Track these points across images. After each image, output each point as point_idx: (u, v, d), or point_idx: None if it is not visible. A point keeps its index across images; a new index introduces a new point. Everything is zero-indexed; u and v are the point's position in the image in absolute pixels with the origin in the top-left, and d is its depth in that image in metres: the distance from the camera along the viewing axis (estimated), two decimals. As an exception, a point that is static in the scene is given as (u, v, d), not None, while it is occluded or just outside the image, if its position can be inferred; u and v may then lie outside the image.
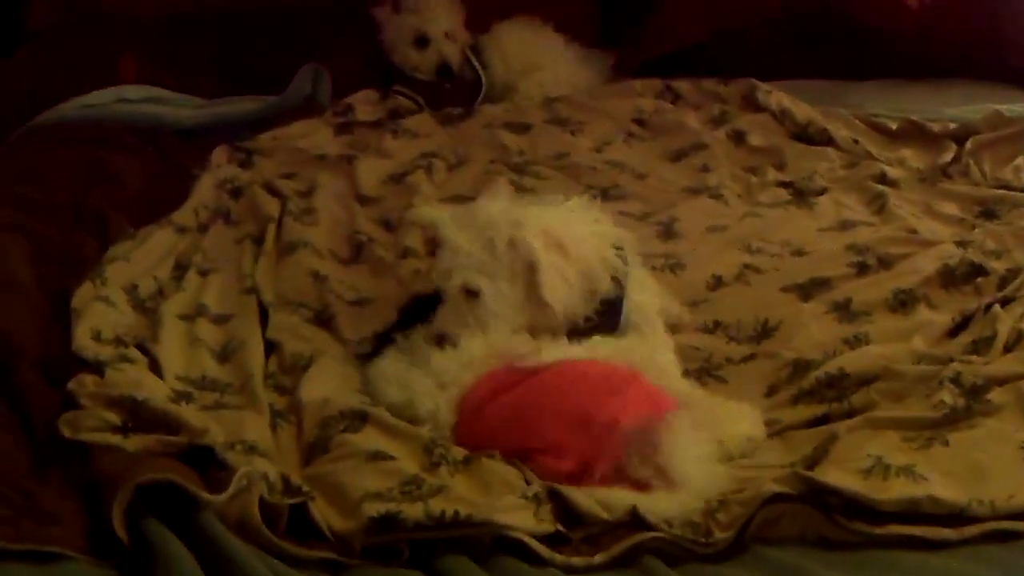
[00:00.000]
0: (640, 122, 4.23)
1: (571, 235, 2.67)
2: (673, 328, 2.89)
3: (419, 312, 2.73)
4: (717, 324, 2.94)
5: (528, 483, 2.26)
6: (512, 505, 2.17)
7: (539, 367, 2.49)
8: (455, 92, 4.43)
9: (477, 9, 4.67)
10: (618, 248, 2.75)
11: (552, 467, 2.30)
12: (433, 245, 2.78)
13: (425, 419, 2.49)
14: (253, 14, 4.69)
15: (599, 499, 2.20)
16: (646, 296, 2.82)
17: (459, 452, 2.36)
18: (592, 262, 2.68)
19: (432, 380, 2.54)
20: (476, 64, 4.47)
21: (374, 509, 2.14)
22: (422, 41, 4.43)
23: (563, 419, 2.36)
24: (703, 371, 2.77)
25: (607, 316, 2.71)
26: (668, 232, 3.41)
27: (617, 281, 2.71)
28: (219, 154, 3.83)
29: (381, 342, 2.74)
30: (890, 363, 2.61)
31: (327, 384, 2.62)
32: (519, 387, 2.46)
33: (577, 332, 2.66)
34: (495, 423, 2.44)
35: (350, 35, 4.57)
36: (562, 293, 2.62)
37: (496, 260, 2.62)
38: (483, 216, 2.66)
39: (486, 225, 2.63)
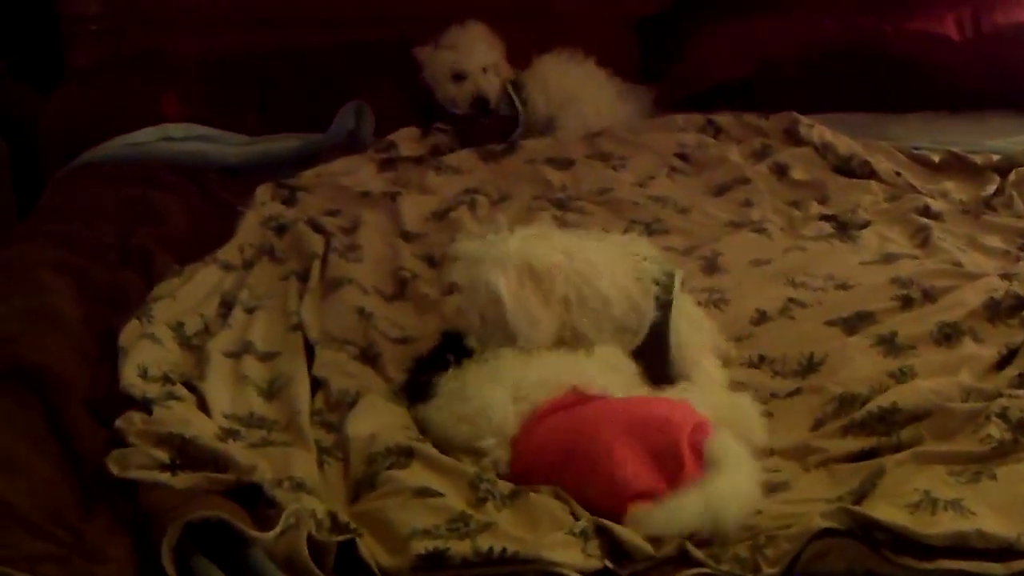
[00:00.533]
0: (682, 156, 4.22)
1: (592, 265, 2.75)
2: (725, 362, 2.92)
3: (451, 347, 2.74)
4: (762, 359, 2.94)
5: (576, 518, 2.26)
6: (560, 541, 2.18)
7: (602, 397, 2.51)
8: (492, 127, 4.43)
9: (519, 44, 4.68)
10: (663, 278, 2.80)
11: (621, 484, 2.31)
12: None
13: (491, 431, 2.50)
14: (295, 53, 4.71)
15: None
16: (695, 331, 2.84)
17: (505, 487, 2.37)
18: (624, 290, 2.75)
19: (507, 392, 2.55)
20: (515, 99, 4.47)
21: (422, 546, 2.14)
22: (459, 76, 4.43)
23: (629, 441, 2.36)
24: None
25: (654, 342, 2.75)
26: (711, 267, 3.41)
27: (660, 307, 2.76)
28: (263, 191, 3.84)
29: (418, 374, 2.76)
30: (939, 399, 2.59)
31: (373, 421, 2.62)
32: (580, 411, 2.48)
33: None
34: (553, 443, 2.45)
35: (392, 73, 4.58)
36: (526, 324, 2.68)
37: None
38: (492, 252, 2.71)
39: (476, 263, 2.72)
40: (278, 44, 4.80)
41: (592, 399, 2.51)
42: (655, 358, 2.76)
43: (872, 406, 2.59)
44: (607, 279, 2.76)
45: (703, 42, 4.66)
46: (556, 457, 2.41)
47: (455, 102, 4.46)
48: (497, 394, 2.54)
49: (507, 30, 4.77)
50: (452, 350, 2.72)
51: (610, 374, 2.61)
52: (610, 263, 2.80)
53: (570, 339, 2.73)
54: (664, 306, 2.78)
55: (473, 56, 4.44)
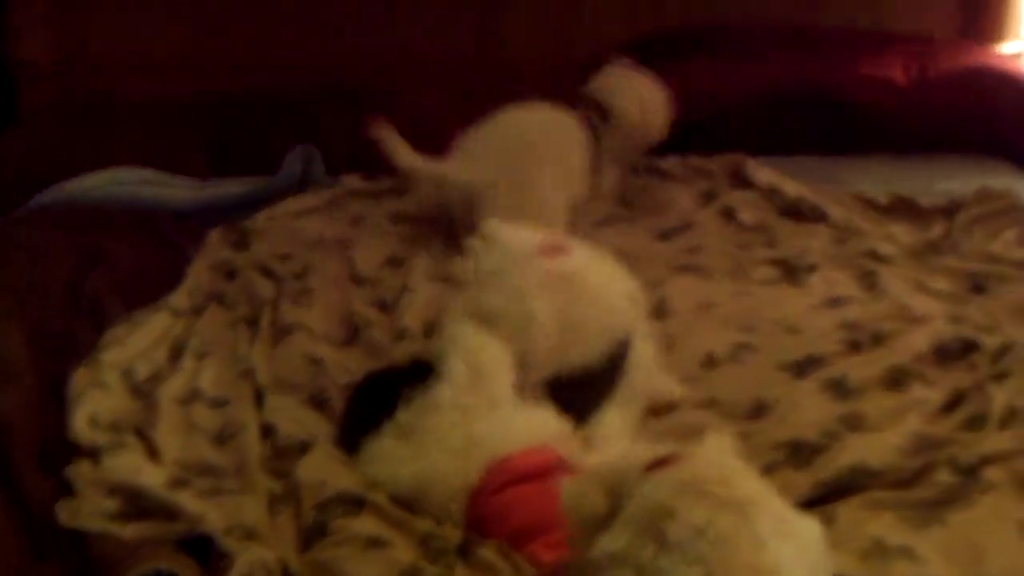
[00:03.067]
0: (627, 201, 4.24)
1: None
2: (668, 405, 2.92)
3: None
4: (712, 401, 2.94)
5: (522, 572, 2.26)
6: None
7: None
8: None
9: (471, 92, 4.70)
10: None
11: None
12: None
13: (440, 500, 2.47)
14: (246, 96, 4.71)
15: None
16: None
17: (457, 538, 2.36)
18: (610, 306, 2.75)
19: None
20: None
21: (372, 598, 2.14)
22: None
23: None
24: (699, 449, 2.76)
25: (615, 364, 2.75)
26: (659, 311, 3.42)
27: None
28: (214, 236, 3.83)
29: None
30: (902, 455, 2.61)
31: (324, 467, 2.61)
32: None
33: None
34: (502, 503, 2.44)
35: (342, 116, 4.58)
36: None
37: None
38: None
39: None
40: (229, 88, 4.81)
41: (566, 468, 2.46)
42: (611, 378, 2.76)
43: (842, 465, 2.57)
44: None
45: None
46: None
47: None
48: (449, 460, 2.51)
49: (459, 78, 4.80)
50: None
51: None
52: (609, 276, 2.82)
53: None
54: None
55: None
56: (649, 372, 2.89)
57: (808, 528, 1.99)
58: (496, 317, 2.63)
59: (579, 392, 2.68)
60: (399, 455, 2.51)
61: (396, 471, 2.50)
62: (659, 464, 2.05)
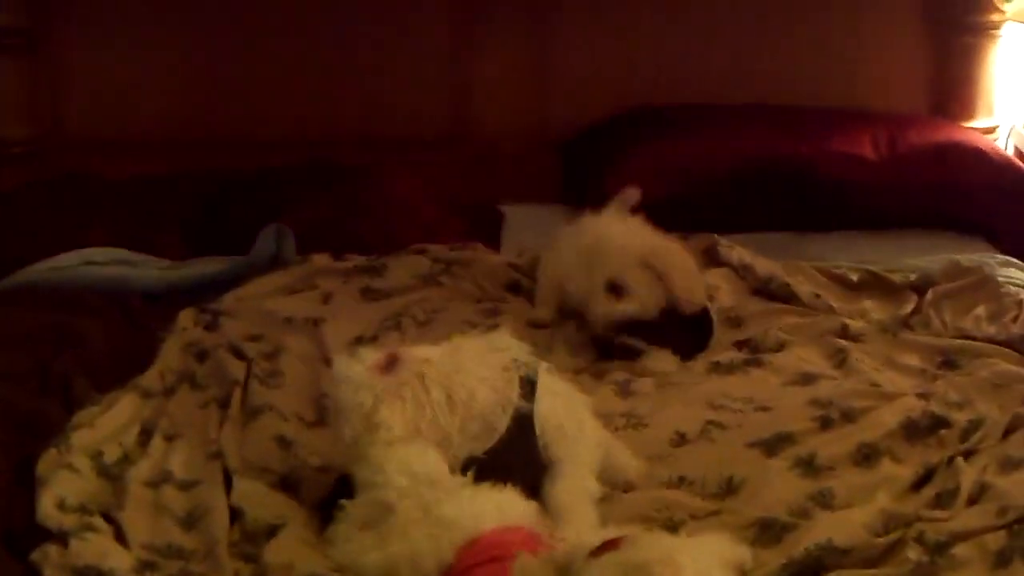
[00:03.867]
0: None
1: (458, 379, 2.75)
2: (633, 484, 2.93)
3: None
4: (682, 479, 2.93)
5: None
6: None
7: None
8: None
9: (442, 170, 4.73)
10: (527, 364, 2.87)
11: None
12: None
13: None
14: (219, 175, 4.73)
15: None
16: (566, 403, 2.91)
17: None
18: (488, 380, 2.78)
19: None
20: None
21: None
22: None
23: None
24: (667, 527, 2.73)
25: (519, 429, 2.77)
26: (625, 391, 3.43)
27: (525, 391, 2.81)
28: (185, 316, 3.81)
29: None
30: (869, 532, 2.60)
31: (292, 550, 2.61)
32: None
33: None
34: None
35: (314, 195, 4.59)
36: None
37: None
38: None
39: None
40: (203, 167, 4.82)
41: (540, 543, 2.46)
42: (523, 445, 2.77)
43: (810, 544, 2.55)
44: (472, 372, 2.79)
45: (623, 163, 4.70)
46: None
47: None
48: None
49: (433, 159, 4.83)
50: None
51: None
52: (475, 357, 2.83)
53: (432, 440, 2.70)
54: (529, 390, 2.82)
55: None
56: (598, 445, 2.91)
57: None
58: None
59: (492, 472, 2.68)
60: (363, 541, 2.51)
61: (360, 556, 2.50)
62: (606, 547, 2.04)
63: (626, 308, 3.58)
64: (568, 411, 2.90)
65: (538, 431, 2.80)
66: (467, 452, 2.71)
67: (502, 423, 2.76)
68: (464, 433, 2.72)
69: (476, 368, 2.79)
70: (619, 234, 3.71)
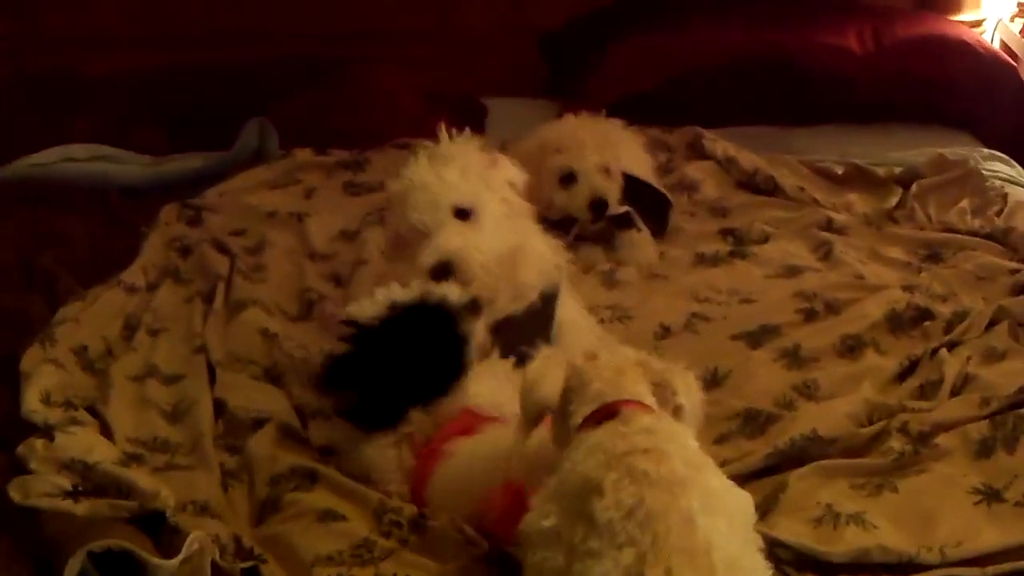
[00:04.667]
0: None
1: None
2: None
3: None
4: (667, 372, 2.94)
5: (474, 546, 2.26)
6: (462, 569, 2.18)
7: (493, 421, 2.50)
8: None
9: (430, 62, 4.70)
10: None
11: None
12: None
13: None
14: (200, 70, 4.68)
15: None
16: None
17: (410, 512, 2.36)
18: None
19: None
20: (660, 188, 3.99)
21: (325, 573, 2.14)
22: (569, 178, 3.66)
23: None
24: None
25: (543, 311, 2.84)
26: (611, 282, 3.43)
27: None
28: (168, 212, 3.81)
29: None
30: (853, 423, 2.62)
31: (276, 442, 2.62)
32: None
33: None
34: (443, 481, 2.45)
35: (297, 89, 4.56)
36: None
37: None
38: None
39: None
40: (185, 62, 4.78)
41: (483, 423, 2.49)
42: (541, 321, 2.83)
43: (795, 435, 2.57)
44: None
45: (608, 56, 4.67)
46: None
47: (564, 209, 3.68)
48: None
49: (417, 49, 4.79)
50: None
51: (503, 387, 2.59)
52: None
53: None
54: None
55: (586, 155, 3.73)
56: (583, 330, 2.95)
57: (738, 500, 1.97)
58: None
59: (514, 334, 2.74)
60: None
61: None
62: (598, 417, 2.03)
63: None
64: (579, 310, 2.97)
65: (557, 315, 2.86)
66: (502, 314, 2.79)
67: (533, 294, 2.84)
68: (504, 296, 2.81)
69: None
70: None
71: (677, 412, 2.09)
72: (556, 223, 3.51)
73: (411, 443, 2.51)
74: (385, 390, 2.55)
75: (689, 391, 2.13)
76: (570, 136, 3.68)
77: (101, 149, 4.32)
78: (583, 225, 3.63)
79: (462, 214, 2.79)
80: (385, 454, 2.50)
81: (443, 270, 2.72)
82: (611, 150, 3.68)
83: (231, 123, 4.33)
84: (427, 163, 2.84)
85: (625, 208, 3.62)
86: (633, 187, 3.66)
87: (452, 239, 2.75)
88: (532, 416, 2.13)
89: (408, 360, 2.57)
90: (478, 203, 2.82)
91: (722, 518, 1.87)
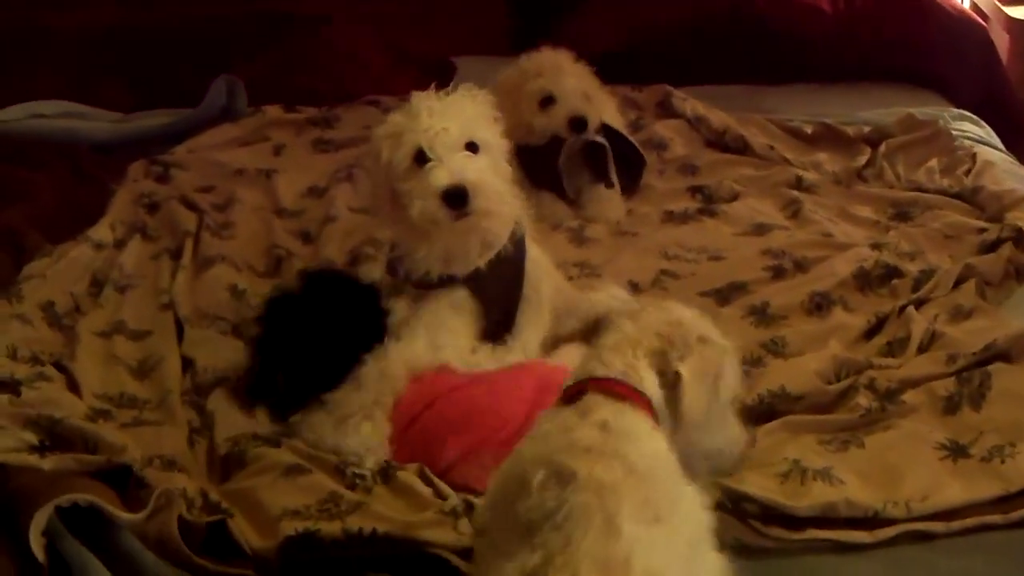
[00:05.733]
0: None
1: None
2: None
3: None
4: (635, 329, 2.94)
5: (442, 497, 2.27)
6: (431, 520, 2.18)
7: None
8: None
9: (396, 18, 4.67)
10: None
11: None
12: None
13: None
14: (168, 26, 4.66)
15: None
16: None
17: (374, 462, 2.37)
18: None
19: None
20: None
21: (292, 527, 2.14)
22: (548, 100, 3.64)
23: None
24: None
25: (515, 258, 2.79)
26: (579, 239, 3.43)
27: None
28: (136, 168, 3.80)
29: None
30: (821, 379, 2.62)
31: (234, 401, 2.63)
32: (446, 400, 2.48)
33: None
34: (421, 435, 2.45)
35: (265, 45, 4.54)
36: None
37: None
38: None
39: None
40: (150, 18, 4.75)
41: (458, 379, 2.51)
42: (512, 270, 2.80)
43: (762, 390, 2.58)
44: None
45: (577, 14, 4.67)
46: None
47: (544, 131, 3.65)
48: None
49: (381, 7, 4.76)
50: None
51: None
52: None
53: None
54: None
55: (565, 79, 3.69)
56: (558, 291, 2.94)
57: (689, 504, 1.87)
58: None
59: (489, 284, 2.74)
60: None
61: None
62: (570, 393, 2.01)
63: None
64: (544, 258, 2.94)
65: (528, 266, 2.82)
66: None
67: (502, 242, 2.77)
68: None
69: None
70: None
71: (675, 383, 2.01)
72: (538, 150, 3.54)
73: (383, 411, 2.51)
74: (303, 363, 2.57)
75: (709, 368, 2.08)
76: (550, 63, 3.67)
77: (68, 106, 4.31)
78: (569, 148, 3.60)
79: (472, 147, 2.72)
80: (360, 430, 2.49)
81: (457, 194, 2.60)
82: (590, 81, 3.69)
83: (196, 80, 4.32)
84: (425, 102, 2.71)
85: (603, 141, 3.61)
86: (609, 137, 3.65)
87: (467, 165, 2.65)
88: None
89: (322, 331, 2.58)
90: (488, 138, 2.74)
91: (660, 528, 1.77)
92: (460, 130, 2.66)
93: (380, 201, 2.78)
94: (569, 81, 3.61)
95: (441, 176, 2.61)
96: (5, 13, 4.84)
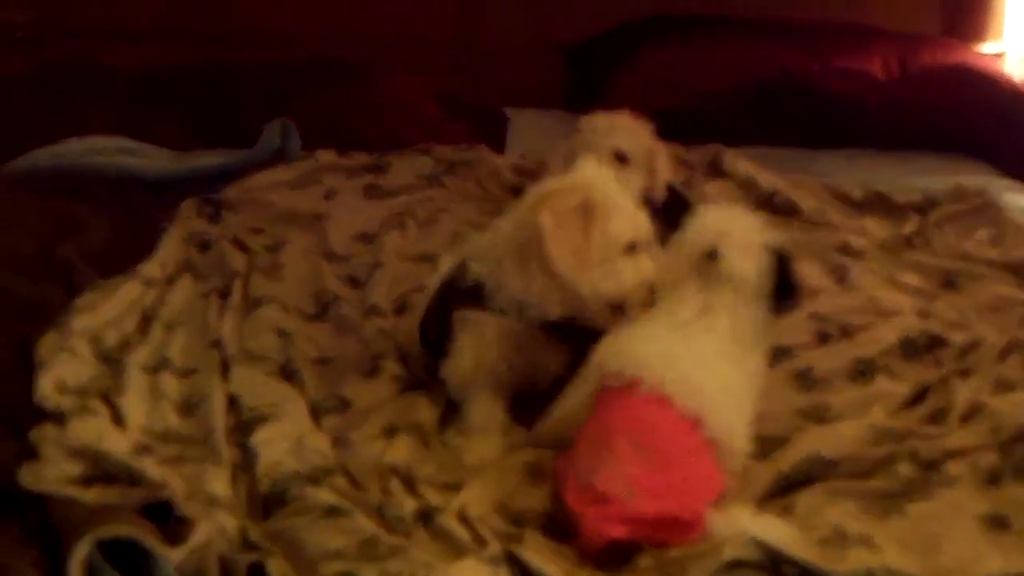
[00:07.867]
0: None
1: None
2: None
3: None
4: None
5: (482, 543, 2.27)
6: (470, 568, 2.18)
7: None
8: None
9: (448, 73, 4.71)
10: None
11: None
12: None
13: None
14: (224, 68, 4.71)
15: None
16: None
17: (412, 505, 2.38)
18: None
19: None
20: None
21: (331, 569, 2.14)
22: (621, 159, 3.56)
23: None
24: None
25: None
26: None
27: None
28: (187, 207, 3.83)
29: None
30: (858, 445, 2.60)
31: (283, 442, 2.62)
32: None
33: None
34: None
35: (320, 91, 4.58)
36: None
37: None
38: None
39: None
40: (207, 59, 4.81)
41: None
42: None
43: (797, 456, 2.57)
44: None
45: (631, 71, 4.70)
46: None
47: None
48: None
49: (436, 57, 4.80)
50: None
51: None
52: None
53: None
54: None
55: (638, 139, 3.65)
56: None
57: None
58: None
59: None
60: None
61: None
62: None
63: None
64: None
65: None
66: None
67: None
68: None
69: None
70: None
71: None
72: None
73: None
74: None
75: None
76: (624, 121, 3.62)
77: (124, 142, 4.34)
78: None
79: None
80: None
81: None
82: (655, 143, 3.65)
83: (251, 122, 4.36)
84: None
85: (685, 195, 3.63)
86: (673, 198, 3.64)
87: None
88: None
89: None
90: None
91: None
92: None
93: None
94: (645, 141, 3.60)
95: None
96: (70, 50, 4.91)
